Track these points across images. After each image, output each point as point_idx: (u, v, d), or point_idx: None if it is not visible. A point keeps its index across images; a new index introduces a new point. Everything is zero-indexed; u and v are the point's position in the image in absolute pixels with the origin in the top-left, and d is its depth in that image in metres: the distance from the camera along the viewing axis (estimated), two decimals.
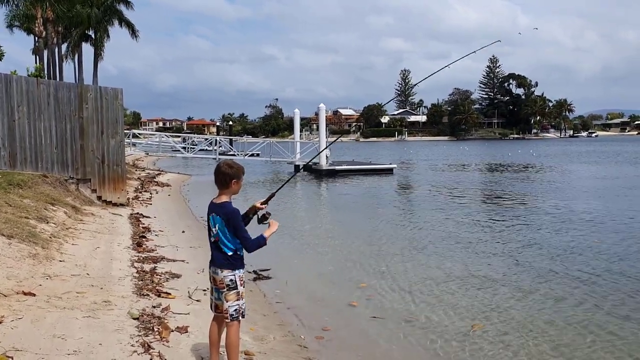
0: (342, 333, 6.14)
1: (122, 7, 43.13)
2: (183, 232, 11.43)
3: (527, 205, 17.59)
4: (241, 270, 4.14)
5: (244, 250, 4.13)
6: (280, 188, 4.63)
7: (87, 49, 45.34)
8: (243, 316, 4.17)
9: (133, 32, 43.54)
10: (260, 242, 4.05)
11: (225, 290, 4.09)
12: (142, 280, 6.85)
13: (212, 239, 4.13)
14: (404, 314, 6.89)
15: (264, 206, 4.30)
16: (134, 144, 37.06)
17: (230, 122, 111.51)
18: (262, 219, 4.24)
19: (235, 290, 4.09)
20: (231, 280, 4.08)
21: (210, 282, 4.27)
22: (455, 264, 9.50)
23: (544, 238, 11.84)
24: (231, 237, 4.05)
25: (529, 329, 6.35)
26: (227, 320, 4.11)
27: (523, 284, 8.22)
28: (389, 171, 32.01)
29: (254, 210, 4.26)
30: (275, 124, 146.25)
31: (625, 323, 6.50)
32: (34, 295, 5.47)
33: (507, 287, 8.08)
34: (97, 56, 43.32)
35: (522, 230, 12.93)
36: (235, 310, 4.09)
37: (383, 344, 5.88)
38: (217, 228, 4.06)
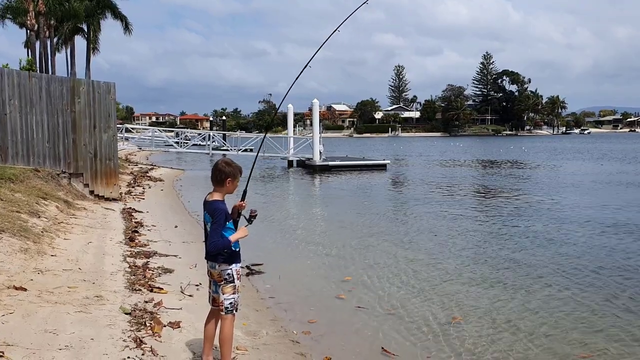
0: (334, 327, 6.15)
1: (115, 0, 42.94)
2: (176, 227, 11.41)
3: (515, 200, 17.69)
4: (238, 264, 4.17)
5: (239, 245, 4.15)
6: (248, 180, 4.45)
7: (80, 43, 45.04)
8: (237, 310, 4.20)
9: (126, 25, 43.29)
10: (225, 244, 4.01)
11: (222, 283, 4.12)
12: (134, 275, 6.84)
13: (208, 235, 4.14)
14: (389, 307, 6.94)
15: (244, 203, 4.27)
16: (126, 139, 36.88)
17: (224, 117, 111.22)
18: (251, 219, 4.22)
19: (232, 284, 4.12)
20: (228, 274, 4.11)
21: (209, 276, 4.29)
22: (439, 258, 9.66)
23: (530, 234, 12.00)
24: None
25: (510, 323, 6.45)
26: (221, 313, 4.14)
27: (505, 279, 8.38)
28: (382, 167, 32.05)
29: (237, 211, 4.21)
30: (269, 119, 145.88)
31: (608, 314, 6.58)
32: (25, 290, 5.44)
33: (489, 281, 8.21)
34: (90, 50, 43.03)
35: (506, 225, 13.15)
36: (231, 303, 4.13)
37: (372, 337, 5.90)
38: (209, 226, 4.06)
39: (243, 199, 4.30)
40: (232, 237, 4.06)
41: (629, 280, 8.24)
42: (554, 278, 8.37)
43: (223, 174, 4.07)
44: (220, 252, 4.05)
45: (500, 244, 10.98)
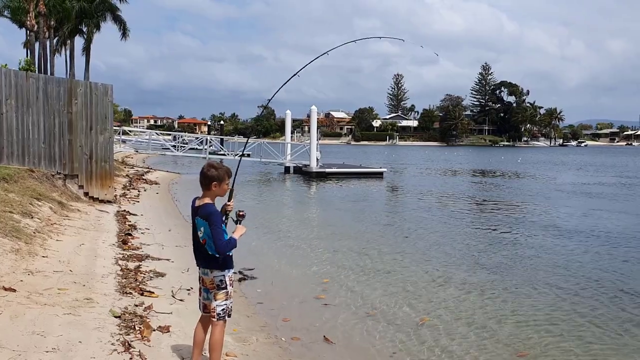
0: (325, 333, 6.11)
1: (115, 1, 43.09)
2: (169, 230, 11.36)
3: (504, 209, 17.78)
4: (230, 270, 4.15)
5: (232, 251, 4.11)
6: (233, 181, 4.32)
7: (79, 44, 45.03)
8: (229, 316, 4.19)
9: (124, 31, 43.42)
10: (232, 244, 4.01)
11: (215, 289, 4.10)
12: (125, 278, 6.80)
13: (200, 241, 4.09)
14: (370, 309, 7.06)
15: (231, 203, 4.21)
16: (123, 141, 36.80)
17: (222, 122, 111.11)
18: (239, 219, 4.18)
19: (224, 290, 4.10)
20: (221, 280, 4.09)
21: (200, 283, 4.25)
22: (432, 262, 9.92)
23: (514, 240, 12.34)
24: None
25: (473, 323, 6.66)
26: (213, 320, 4.11)
27: (479, 282, 8.64)
28: (379, 175, 32.05)
29: (224, 212, 4.16)
30: (267, 125, 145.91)
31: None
32: (15, 290, 5.40)
33: (462, 285, 8.44)
34: (89, 51, 43.09)
35: (493, 233, 13.49)
36: (223, 309, 4.10)
37: (362, 344, 5.88)
38: (203, 231, 4.03)
39: (230, 199, 4.25)
40: (236, 235, 4.04)
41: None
42: (536, 284, 8.44)
43: (208, 179, 4.04)
44: (216, 258, 4.01)
45: (489, 251, 11.24)
